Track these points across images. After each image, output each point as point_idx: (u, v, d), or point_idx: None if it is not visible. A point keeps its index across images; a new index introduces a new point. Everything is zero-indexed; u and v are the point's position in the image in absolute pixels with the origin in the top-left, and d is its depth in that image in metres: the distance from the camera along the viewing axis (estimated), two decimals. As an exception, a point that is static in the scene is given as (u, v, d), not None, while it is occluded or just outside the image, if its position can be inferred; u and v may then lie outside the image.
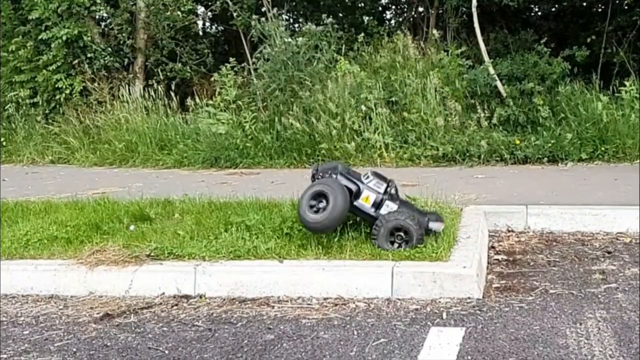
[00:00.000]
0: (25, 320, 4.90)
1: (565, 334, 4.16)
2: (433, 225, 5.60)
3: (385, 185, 5.60)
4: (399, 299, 4.90)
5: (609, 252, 5.82)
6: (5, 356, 4.24)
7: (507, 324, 4.38)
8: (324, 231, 5.40)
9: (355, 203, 5.47)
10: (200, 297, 5.16)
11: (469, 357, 3.91)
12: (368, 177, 5.64)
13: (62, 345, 4.40)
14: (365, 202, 5.51)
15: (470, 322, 4.44)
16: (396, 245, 5.34)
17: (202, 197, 7.05)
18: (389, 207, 5.51)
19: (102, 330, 4.64)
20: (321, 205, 5.29)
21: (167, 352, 4.23)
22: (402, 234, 5.35)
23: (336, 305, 4.87)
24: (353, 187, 5.51)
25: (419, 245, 5.30)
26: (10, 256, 5.73)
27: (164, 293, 5.24)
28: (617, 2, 12.70)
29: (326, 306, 4.87)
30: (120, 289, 5.30)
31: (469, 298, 4.82)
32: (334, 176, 5.53)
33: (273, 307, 4.91)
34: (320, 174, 5.68)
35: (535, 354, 3.91)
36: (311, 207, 5.30)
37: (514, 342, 4.08)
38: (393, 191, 5.62)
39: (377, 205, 5.50)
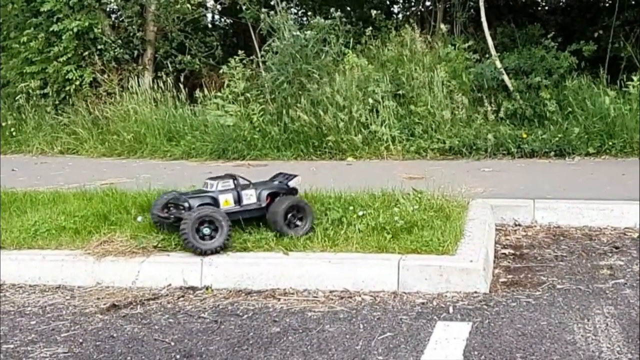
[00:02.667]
0: (33, 311, 4.92)
1: (572, 329, 4.15)
2: (292, 182, 5.97)
3: (231, 180, 5.74)
4: (405, 293, 4.90)
5: (616, 247, 5.80)
6: (12, 346, 4.26)
7: (514, 319, 4.37)
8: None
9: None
10: (207, 288, 5.17)
11: (476, 353, 3.91)
12: (210, 184, 5.74)
13: (69, 335, 4.42)
14: (227, 204, 5.62)
15: (476, 316, 4.43)
16: (293, 226, 5.59)
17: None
18: (248, 194, 5.74)
19: (108, 321, 4.66)
20: (206, 231, 5.32)
21: (173, 343, 4.24)
22: (295, 212, 5.64)
23: (342, 298, 4.88)
24: (208, 200, 5.60)
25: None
26: (18, 246, 5.76)
27: (170, 284, 5.26)
28: (625, -4, 12.65)
29: (332, 299, 4.87)
30: (127, 280, 5.32)
31: (475, 292, 4.82)
32: (187, 204, 5.53)
33: (279, 299, 4.92)
34: (172, 206, 5.71)
35: (542, 349, 3.90)
36: (198, 231, 5.30)
37: (521, 337, 4.08)
38: (240, 181, 5.79)
39: (238, 200, 5.69)
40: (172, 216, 5.61)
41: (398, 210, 5.87)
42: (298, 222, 5.63)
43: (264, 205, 5.74)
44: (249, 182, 5.85)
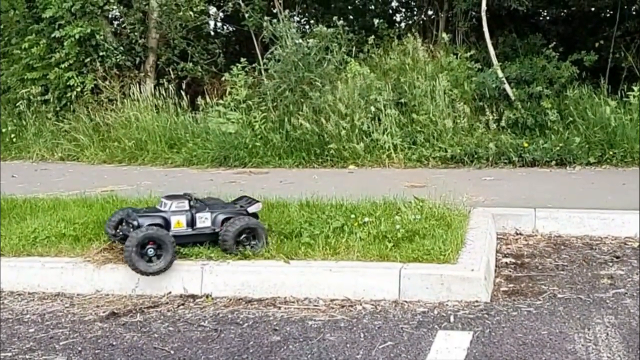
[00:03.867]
0: (31, 318, 4.91)
1: (573, 339, 4.14)
2: (252, 208, 5.71)
3: (187, 201, 5.56)
4: (406, 302, 4.89)
5: (617, 257, 5.80)
6: (10, 354, 4.24)
7: (515, 328, 4.36)
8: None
9: (171, 233, 5.33)
10: (207, 296, 5.16)
11: (476, 361, 3.90)
12: (164, 203, 5.55)
13: (68, 343, 4.40)
14: (179, 226, 5.45)
15: (477, 326, 4.42)
16: (242, 247, 5.42)
17: (211, 196, 7.05)
18: (203, 217, 5.53)
19: (108, 329, 4.65)
20: (151, 252, 5.17)
21: (172, 352, 4.23)
22: (247, 235, 5.46)
23: (343, 306, 4.86)
24: (159, 220, 5.41)
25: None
26: (17, 253, 5.74)
27: (170, 292, 5.25)
28: (626, 7, 12.67)
29: (333, 308, 4.86)
30: (126, 288, 5.31)
31: (476, 301, 4.81)
32: (136, 222, 5.33)
33: (279, 308, 4.91)
34: (123, 223, 5.56)
35: (543, 359, 3.89)
36: (143, 251, 5.16)
37: (522, 346, 4.07)
38: (195, 203, 5.61)
39: (191, 222, 5.50)
40: (120, 233, 5.48)
41: (399, 219, 5.86)
42: (250, 245, 5.42)
43: (217, 230, 5.50)
44: (207, 204, 5.67)
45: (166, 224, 5.39)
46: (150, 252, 5.15)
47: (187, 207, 5.52)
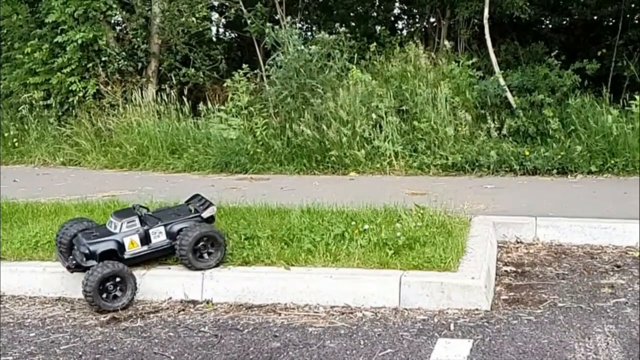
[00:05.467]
0: (32, 323, 4.92)
1: (573, 348, 4.14)
2: (206, 213, 5.59)
3: (137, 218, 5.35)
4: (406, 309, 4.89)
5: (618, 266, 5.79)
6: (11, 358, 4.25)
7: (515, 336, 4.36)
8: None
9: (126, 256, 5.20)
10: (207, 302, 5.17)
11: (476, 369, 3.90)
12: (114, 224, 5.34)
13: (68, 348, 4.41)
14: (133, 246, 5.27)
15: (477, 334, 4.42)
16: (206, 256, 5.31)
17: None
18: (157, 232, 5.37)
19: (108, 334, 4.65)
20: (111, 288, 5.05)
21: (173, 357, 4.23)
22: (205, 242, 5.32)
23: (343, 313, 4.87)
24: (112, 245, 5.22)
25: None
26: (19, 257, 5.76)
27: (171, 298, 5.25)
28: (628, 16, 12.69)
29: (333, 314, 4.87)
30: (127, 293, 5.31)
31: (476, 309, 4.81)
32: (87, 251, 5.11)
33: (280, 314, 4.92)
34: (74, 248, 5.32)
35: (542, 367, 3.90)
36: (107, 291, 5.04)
37: (522, 355, 4.07)
38: (145, 218, 5.41)
39: (146, 239, 5.33)
40: (74, 263, 5.21)
41: (400, 226, 5.87)
42: (209, 252, 5.34)
43: (174, 243, 5.36)
44: (158, 217, 5.48)
45: (120, 247, 5.21)
46: (111, 288, 5.05)
47: (139, 224, 5.32)
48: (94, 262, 5.06)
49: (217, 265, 5.35)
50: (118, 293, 5.08)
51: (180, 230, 5.37)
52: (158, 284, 5.27)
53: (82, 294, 5.06)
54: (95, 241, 5.19)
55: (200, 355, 4.24)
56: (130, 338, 4.56)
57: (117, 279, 5.06)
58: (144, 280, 5.30)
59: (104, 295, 5.03)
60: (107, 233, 5.30)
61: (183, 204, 5.88)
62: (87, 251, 5.12)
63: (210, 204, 5.70)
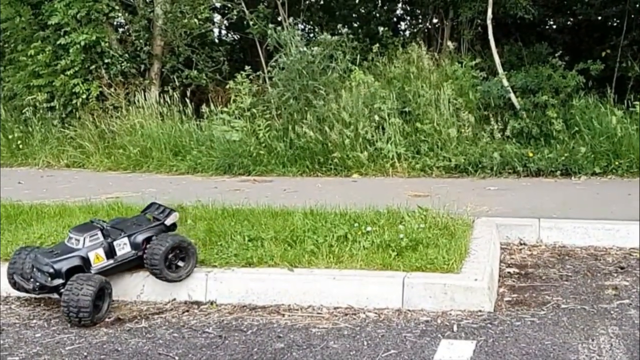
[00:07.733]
0: (38, 323, 4.93)
1: (577, 349, 4.14)
2: (169, 220, 5.51)
3: (99, 231, 5.18)
4: (409, 310, 4.89)
5: (622, 268, 5.79)
6: (17, 359, 4.26)
7: (518, 338, 4.36)
8: None
9: (92, 271, 5.03)
10: (211, 303, 5.17)
11: (479, 371, 3.91)
12: (76, 240, 5.11)
13: (74, 349, 4.42)
14: (99, 261, 5.11)
15: (481, 335, 4.43)
16: (179, 264, 5.22)
17: (215, 204, 7.08)
18: (121, 244, 5.25)
19: (113, 334, 4.66)
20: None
21: (177, 358, 4.24)
22: (177, 252, 5.22)
23: (346, 314, 4.88)
24: (77, 261, 5.00)
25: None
26: (23, 259, 5.75)
27: (175, 299, 5.26)
28: (633, 16, 12.68)
29: (336, 315, 4.87)
30: (132, 294, 5.34)
31: (480, 311, 4.81)
32: (52, 270, 4.88)
33: (283, 315, 4.92)
34: (36, 269, 5.03)
35: (545, 368, 3.90)
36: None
37: (525, 357, 4.07)
38: (107, 231, 5.24)
39: (110, 253, 5.18)
40: (37, 285, 4.97)
41: (403, 228, 5.87)
42: (180, 263, 5.23)
43: (140, 253, 5.24)
44: (120, 229, 5.33)
45: (85, 262, 5.04)
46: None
47: (102, 238, 5.16)
48: (61, 280, 4.89)
49: (187, 277, 5.25)
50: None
51: (146, 240, 5.30)
52: (162, 286, 5.28)
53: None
54: (59, 259, 4.98)
55: (204, 356, 4.25)
56: (134, 339, 4.57)
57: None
58: (148, 281, 5.31)
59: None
60: (69, 250, 5.10)
61: (140, 214, 5.76)
62: (51, 270, 4.92)
63: (172, 211, 5.61)
